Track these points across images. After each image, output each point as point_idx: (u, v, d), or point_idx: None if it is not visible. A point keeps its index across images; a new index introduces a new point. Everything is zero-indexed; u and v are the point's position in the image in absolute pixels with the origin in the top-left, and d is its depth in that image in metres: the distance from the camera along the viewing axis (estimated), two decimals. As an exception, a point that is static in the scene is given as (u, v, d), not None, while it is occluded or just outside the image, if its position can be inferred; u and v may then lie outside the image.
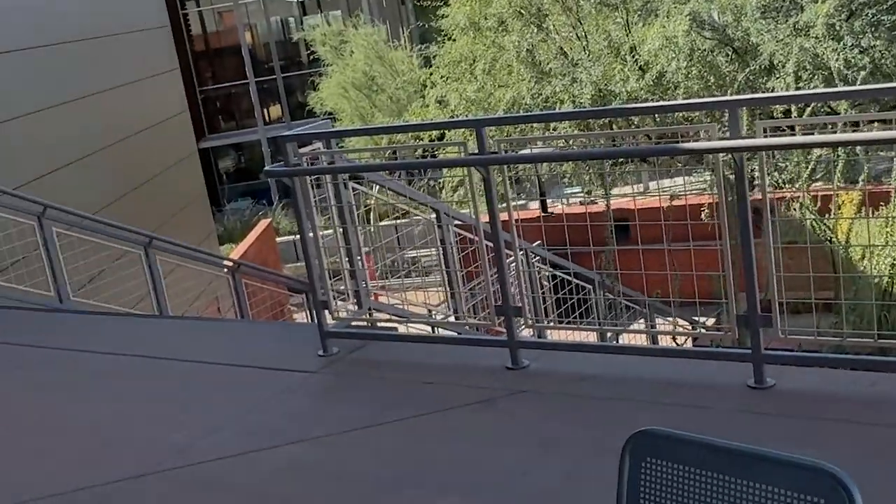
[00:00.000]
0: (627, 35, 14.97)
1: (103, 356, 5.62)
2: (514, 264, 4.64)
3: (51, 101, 9.95)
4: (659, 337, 8.97)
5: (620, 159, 12.98)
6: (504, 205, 4.35)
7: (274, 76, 37.75)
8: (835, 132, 4.12)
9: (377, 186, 6.90)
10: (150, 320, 7.24)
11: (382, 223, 13.12)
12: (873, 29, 12.56)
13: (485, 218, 4.44)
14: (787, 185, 12.52)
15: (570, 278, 7.52)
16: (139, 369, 5.35)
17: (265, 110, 38.48)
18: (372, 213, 15.60)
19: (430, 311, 7.55)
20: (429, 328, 7.21)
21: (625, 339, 8.31)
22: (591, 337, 7.06)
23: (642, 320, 9.40)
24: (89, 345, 5.85)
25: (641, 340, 8.72)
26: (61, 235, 7.80)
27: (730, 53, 13.87)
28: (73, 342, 5.94)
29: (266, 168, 4.91)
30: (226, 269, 10.47)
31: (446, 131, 16.19)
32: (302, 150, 4.78)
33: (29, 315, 7.01)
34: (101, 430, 4.55)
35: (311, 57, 33.28)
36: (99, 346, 5.78)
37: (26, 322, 6.79)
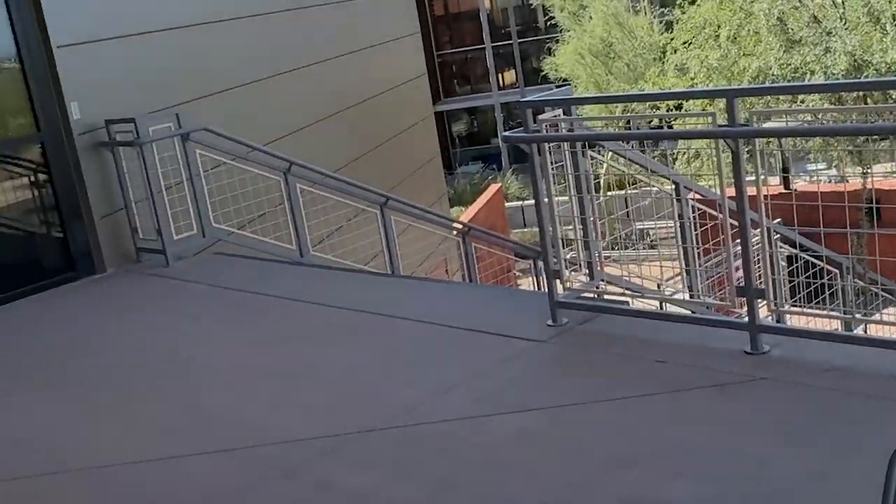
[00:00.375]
0: (890, 1, 13.90)
1: (339, 310, 5.80)
2: (755, 243, 4.39)
3: (301, 62, 10.36)
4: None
5: (875, 136, 12.09)
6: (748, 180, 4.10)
7: (510, 41, 37.91)
8: None
9: (609, 154, 6.74)
10: (383, 278, 7.42)
11: (612, 193, 12.90)
12: None
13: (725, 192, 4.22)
14: None
15: (815, 261, 7.08)
16: (372, 326, 5.49)
17: (500, 75, 38.73)
18: (602, 183, 15.37)
19: (659, 285, 7.33)
20: (657, 303, 7.00)
21: (871, 331, 7.75)
22: (833, 325, 6.62)
23: (891, 309, 8.75)
24: (326, 299, 6.06)
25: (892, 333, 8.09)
26: (304, 192, 8.13)
27: None
28: (312, 295, 6.17)
29: (504, 133, 4.88)
30: (455, 232, 10.61)
31: (683, 101, 15.67)
32: (542, 117, 4.71)
33: (274, 266, 7.36)
34: (336, 382, 4.70)
35: (549, 23, 33.11)
36: (335, 301, 5.98)
37: (272, 273, 7.12)
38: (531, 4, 37.26)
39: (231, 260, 7.52)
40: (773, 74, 14.43)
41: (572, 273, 5.15)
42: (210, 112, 7.98)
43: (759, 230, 4.30)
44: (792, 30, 14.65)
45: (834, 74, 13.35)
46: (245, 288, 6.53)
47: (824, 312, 5.49)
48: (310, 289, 6.43)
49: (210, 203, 7.50)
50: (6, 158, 7.28)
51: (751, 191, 4.07)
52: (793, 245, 7.80)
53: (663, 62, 18.56)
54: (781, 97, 13.50)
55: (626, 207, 8.41)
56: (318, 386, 4.69)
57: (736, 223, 4.17)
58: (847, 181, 14.75)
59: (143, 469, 4.01)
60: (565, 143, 4.85)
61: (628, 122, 19.17)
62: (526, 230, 25.92)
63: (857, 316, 6.46)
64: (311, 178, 8.25)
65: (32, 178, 7.37)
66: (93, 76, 7.30)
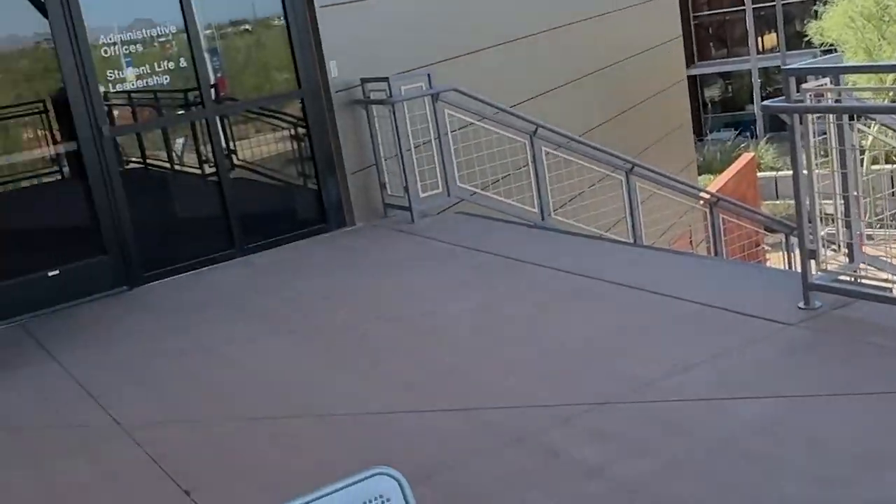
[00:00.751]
0: None
1: (579, 277, 5.74)
2: None
3: (552, 24, 10.28)
4: None
5: None
6: None
7: (773, 3, 36.05)
8: None
9: (877, 126, 6.24)
10: (623, 247, 7.26)
11: (877, 167, 12.02)
12: None
13: None
14: None
15: None
16: (609, 295, 5.39)
17: (759, 39, 36.98)
18: (867, 158, 14.35)
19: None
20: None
21: None
22: None
23: None
24: (566, 264, 6.00)
25: None
26: (548, 155, 8.09)
27: None
28: (552, 260, 6.13)
29: (764, 103, 4.61)
30: (702, 202, 10.23)
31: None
32: (806, 86, 4.40)
33: (515, 229, 7.38)
34: (572, 350, 4.65)
35: (816, -17, 31.15)
36: (575, 267, 5.91)
37: (514, 235, 7.14)
38: (798, -36, 35.22)
39: (473, 220, 7.61)
40: None
41: (829, 253, 4.81)
42: (459, 72, 8.07)
43: None
44: None
45: None
46: (486, 249, 6.59)
47: None
48: (550, 253, 6.39)
49: (456, 163, 7.62)
50: (271, 113, 7.71)
51: None
52: None
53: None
54: None
55: (894, 185, 7.80)
56: (554, 352, 4.65)
57: None
58: None
59: (382, 421, 4.14)
60: (830, 115, 4.52)
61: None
62: (778, 202, 24.73)
63: None
64: (556, 142, 8.19)
65: (292, 133, 7.75)
66: (351, 36, 7.55)
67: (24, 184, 6.88)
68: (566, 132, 8.31)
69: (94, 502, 3.82)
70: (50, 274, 6.49)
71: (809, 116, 4.41)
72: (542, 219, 7.95)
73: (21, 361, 5.59)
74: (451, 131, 7.59)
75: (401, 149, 7.32)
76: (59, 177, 7.03)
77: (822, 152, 4.67)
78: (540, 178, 7.95)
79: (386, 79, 7.23)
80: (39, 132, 6.89)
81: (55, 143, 6.80)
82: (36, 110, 6.77)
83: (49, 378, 5.25)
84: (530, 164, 7.98)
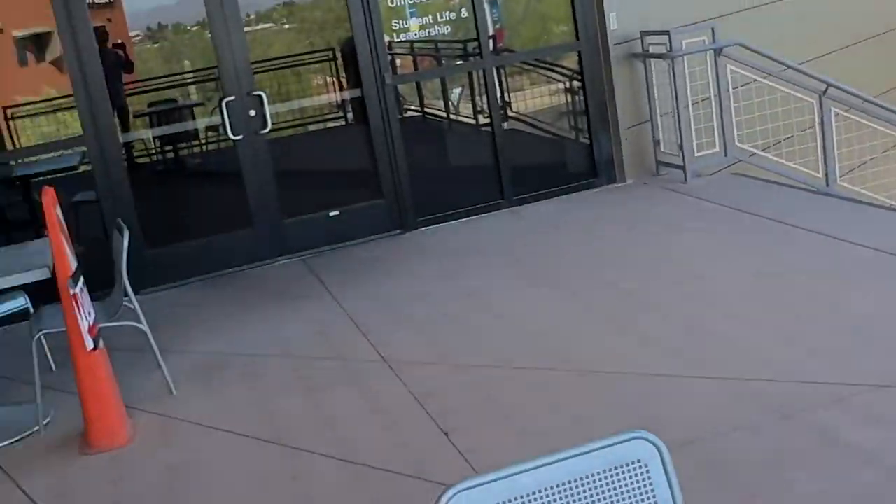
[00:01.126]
0: None
1: (865, 249, 5.34)
2: None
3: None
4: None
5: None
6: None
7: None
8: None
9: None
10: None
11: None
12: None
13: None
14: None
15: None
16: (899, 270, 4.99)
17: None
18: None
19: None
20: None
21: None
22: None
23: None
24: (851, 234, 5.60)
25: None
26: (839, 116, 7.56)
27: None
28: (837, 230, 5.74)
29: None
30: None
31: None
32: None
33: (796, 194, 6.97)
34: (848, 325, 4.35)
35: None
36: (860, 238, 5.51)
37: (794, 201, 6.74)
38: None
39: (751, 182, 7.27)
40: None
41: None
42: (744, 27, 7.67)
43: None
44: None
45: None
46: (764, 213, 6.27)
47: None
48: (834, 222, 5.98)
49: (735, 121, 7.29)
50: (546, 65, 7.70)
51: None
52: None
53: None
54: None
55: None
56: (831, 328, 4.37)
57: None
58: None
59: (642, 382, 4.07)
60: None
61: None
62: None
63: None
64: (848, 103, 7.63)
65: (567, 86, 7.71)
66: (633, -13, 7.37)
67: (312, 128, 7.29)
68: (860, 92, 7.72)
69: (361, 433, 4.02)
70: (331, 214, 6.86)
71: None
72: (827, 185, 7.47)
73: (302, 294, 5.97)
74: (733, 88, 7.26)
75: (678, 105, 7.09)
76: (343, 122, 7.40)
77: None
78: (827, 140, 7.45)
79: (667, 32, 7.00)
80: (328, 79, 7.27)
81: (341, 89, 7.15)
82: (325, 58, 7.14)
83: (325, 311, 5.57)
84: (817, 125, 7.49)
